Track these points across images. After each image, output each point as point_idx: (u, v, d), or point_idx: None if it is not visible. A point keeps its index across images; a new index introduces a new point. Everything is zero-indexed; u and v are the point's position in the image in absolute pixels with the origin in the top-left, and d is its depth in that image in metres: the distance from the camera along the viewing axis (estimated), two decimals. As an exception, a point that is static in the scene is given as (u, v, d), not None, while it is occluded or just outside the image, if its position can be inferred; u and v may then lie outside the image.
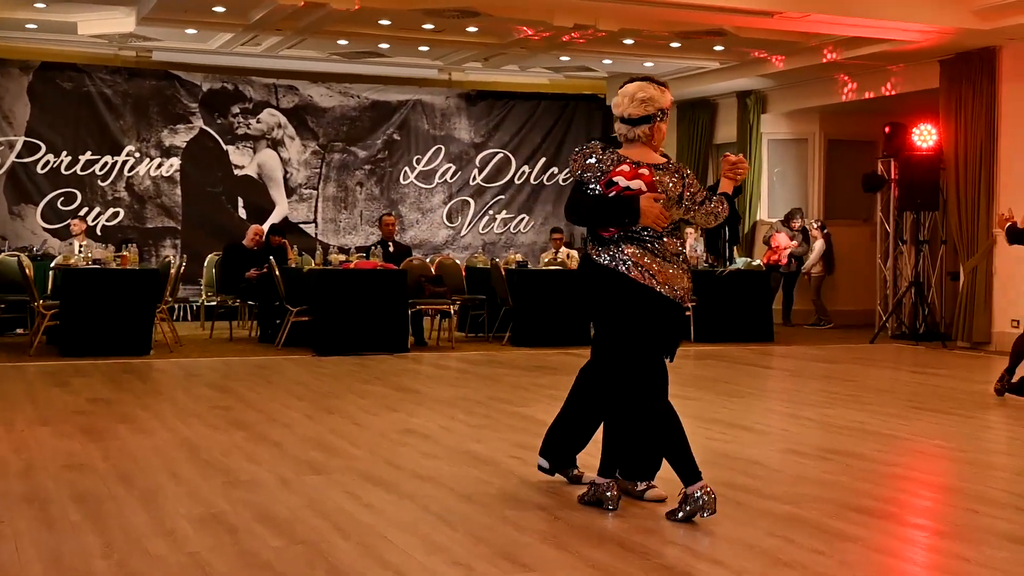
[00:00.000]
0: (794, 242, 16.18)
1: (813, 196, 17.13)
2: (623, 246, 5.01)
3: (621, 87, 5.18)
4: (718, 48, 14.77)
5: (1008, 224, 8.99)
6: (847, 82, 15.37)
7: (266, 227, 14.59)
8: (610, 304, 5.04)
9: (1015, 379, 9.00)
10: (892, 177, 14.77)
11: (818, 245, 16.30)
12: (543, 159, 18.88)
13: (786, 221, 16.44)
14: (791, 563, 4.36)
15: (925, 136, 14.17)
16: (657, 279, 4.99)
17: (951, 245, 14.15)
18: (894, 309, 14.90)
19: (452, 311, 13.29)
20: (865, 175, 14.96)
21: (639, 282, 4.97)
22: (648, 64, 16.45)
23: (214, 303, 14.43)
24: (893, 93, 14.76)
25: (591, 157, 5.12)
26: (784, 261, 16.13)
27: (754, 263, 15.01)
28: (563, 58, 16.43)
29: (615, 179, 5.04)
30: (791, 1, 11.88)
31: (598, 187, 5.08)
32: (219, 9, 13.20)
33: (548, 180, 18.95)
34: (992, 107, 13.19)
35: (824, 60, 14.28)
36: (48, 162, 16.27)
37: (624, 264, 4.99)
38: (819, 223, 16.53)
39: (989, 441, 7.19)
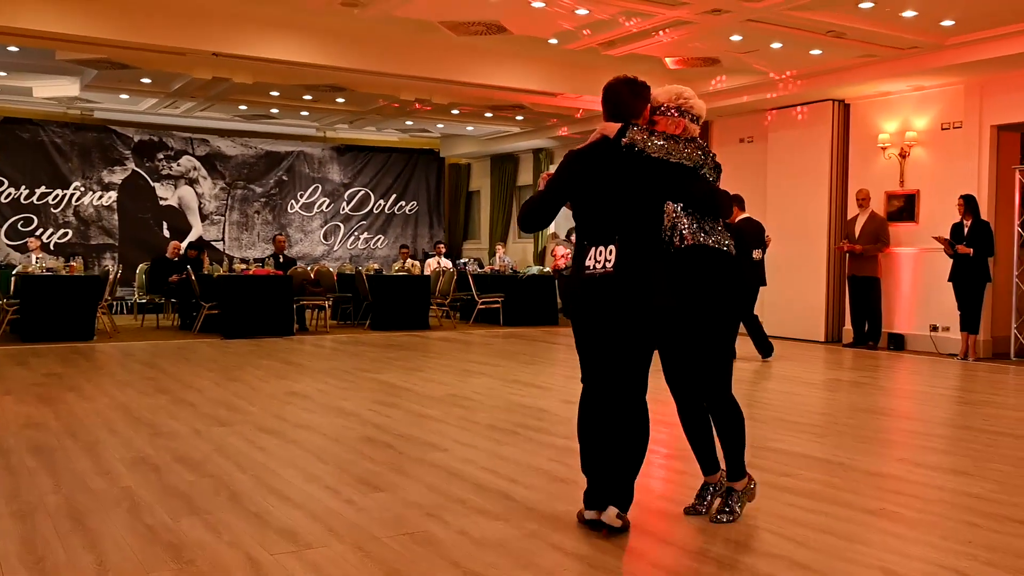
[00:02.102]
0: (568, 251, 16.42)
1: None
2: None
3: (663, 91, 3.71)
4: (519, 118, 14.97)
5: None
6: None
7: (185, 244, 14.10)
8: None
9: None
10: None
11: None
12: (394, 195, 18.80)
13: (567, 236, 16.68)
14: (565, 479, 4.48)
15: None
16: None
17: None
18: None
19: (327, 305, 13.09)
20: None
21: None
22: (469, 128, 16.55)
23: (144, 300, 13.86)
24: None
25: (709, 152, 3.62)
26: (562, 266, 16.38)
27: (545, 269, 15.24)
28: (408, 122, 16.37)
29: None
30: (569, 86, 12.14)
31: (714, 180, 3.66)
32: (146, 80, 12.71)
33: (397, 211, 18.88)
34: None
35: (594, 127, 14.60)
36: (10, 194, 15.39)
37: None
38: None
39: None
